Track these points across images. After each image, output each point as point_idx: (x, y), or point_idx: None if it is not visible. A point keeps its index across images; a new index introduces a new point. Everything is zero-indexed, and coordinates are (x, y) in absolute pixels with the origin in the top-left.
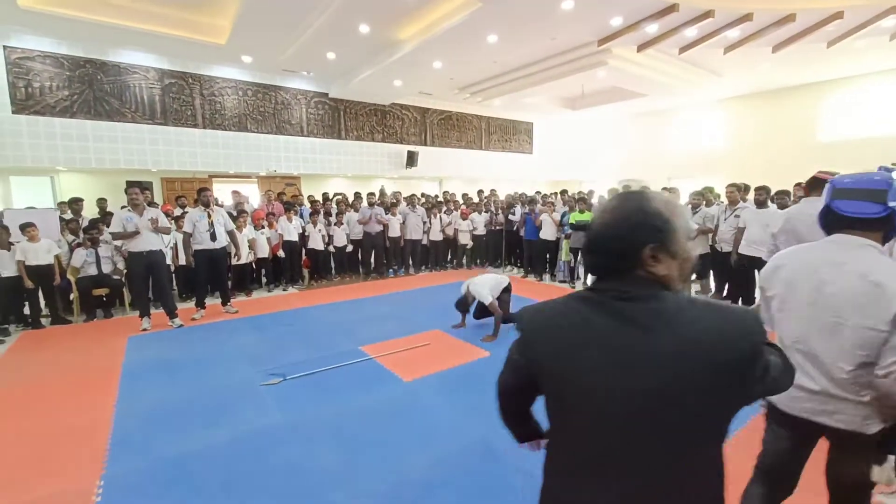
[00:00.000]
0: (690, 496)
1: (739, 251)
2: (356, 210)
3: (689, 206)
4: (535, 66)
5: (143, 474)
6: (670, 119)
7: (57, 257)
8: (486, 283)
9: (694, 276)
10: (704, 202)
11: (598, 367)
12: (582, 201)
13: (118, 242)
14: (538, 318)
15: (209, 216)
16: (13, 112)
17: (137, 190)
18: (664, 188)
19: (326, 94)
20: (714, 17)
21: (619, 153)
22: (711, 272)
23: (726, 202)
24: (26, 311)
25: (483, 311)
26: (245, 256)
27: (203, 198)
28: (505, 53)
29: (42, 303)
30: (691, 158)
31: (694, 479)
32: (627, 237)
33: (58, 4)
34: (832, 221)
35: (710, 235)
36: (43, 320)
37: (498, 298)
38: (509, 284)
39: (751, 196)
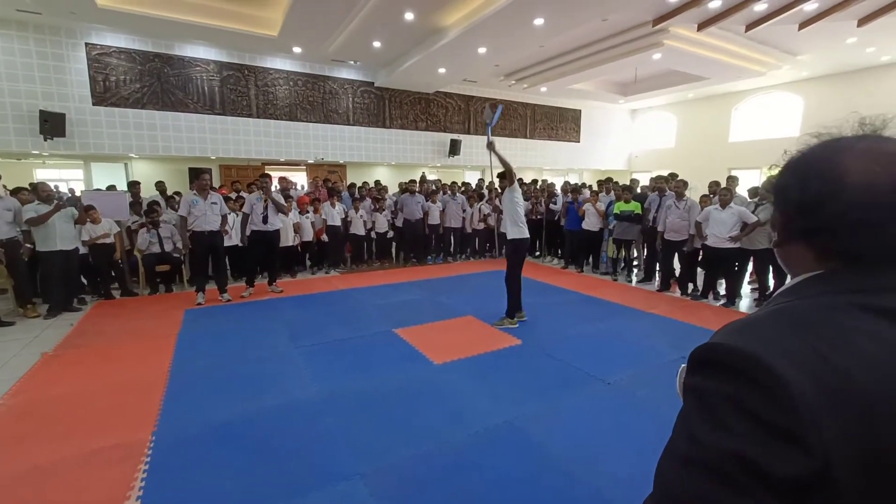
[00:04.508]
0: None
1: None
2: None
3: (759, 198)
4: (584, 49)
5: (190, 432)
6: (733, 104)
7: (118, 235)
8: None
9: (751, 276)
10: None
11: None
12: (627, 190)
13: (174, 222)
14: (822, 368)
15: (265, 201)
16: (93, 104)
17: (208, 176)
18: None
19: (372, 84)
20: None
21: (672, 142)
22: (771, 270)
23: None
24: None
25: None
26: (291, 240)
27: (262, 183)
28: (552, 37)
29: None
30: (757, 147)
31: None
32: None
33: (130, 2)
34: None
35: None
36: (114, 292)
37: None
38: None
39: None
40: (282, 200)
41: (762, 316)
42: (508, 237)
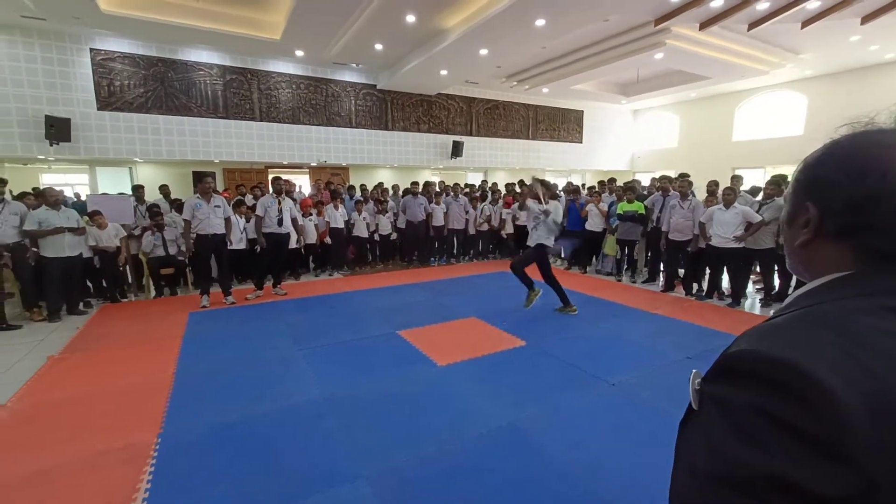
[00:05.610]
0: None
1: None
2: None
3: (763, 196)
4: (585, 50)
5: (195, 435)
6: (736, 104)
7: (123, 239)
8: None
9: (756, 276)
10: (778, 192)
11: None
12: (630, 190)
13: (177, 225)
14: (863, 377)
15: (279, 203)
16: (98, 109)
17: (211, 180)
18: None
19: (374, 86)
20: None
21: (675, 142)
22: (777, 270)
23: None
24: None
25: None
26: (294, 242)
27: (277, 186)
28: (553, 38)
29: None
30: (761, 146)
31: None
32: None
33: (133, 7)
34: None
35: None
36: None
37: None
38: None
39: None
40: (300, 217)
41: (789, 320)
42: (537, 241)
